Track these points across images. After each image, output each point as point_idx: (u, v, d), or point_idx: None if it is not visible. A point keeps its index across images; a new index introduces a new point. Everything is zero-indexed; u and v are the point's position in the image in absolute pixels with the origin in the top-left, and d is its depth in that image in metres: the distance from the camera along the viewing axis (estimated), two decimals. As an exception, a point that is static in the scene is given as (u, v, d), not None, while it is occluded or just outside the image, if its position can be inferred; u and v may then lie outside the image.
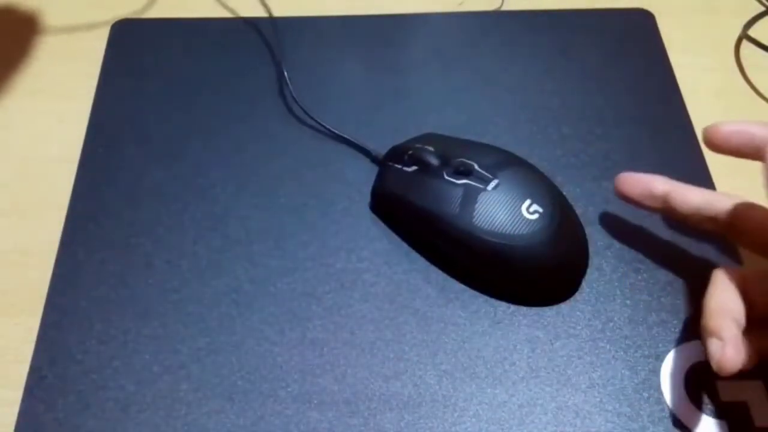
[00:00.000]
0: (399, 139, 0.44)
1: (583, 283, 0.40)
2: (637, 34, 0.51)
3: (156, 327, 0.38)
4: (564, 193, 0.41)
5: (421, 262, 0.40)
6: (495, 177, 0.39)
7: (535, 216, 0.38)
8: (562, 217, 0.38)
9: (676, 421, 0.35)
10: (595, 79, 0.48)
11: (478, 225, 0.38)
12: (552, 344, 0.38)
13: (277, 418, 0.36)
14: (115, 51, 0.50)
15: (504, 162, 0.40)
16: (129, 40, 0.50)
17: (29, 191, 0.43)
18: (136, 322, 0.38)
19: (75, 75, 0.49)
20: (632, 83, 0.48)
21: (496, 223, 0.37)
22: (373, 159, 0.44)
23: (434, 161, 0.40)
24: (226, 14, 0.52)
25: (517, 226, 0.37)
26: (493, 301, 0.39)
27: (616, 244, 0.41)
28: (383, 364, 0.37)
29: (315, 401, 0.36)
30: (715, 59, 0.50)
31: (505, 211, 0.38)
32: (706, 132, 0.36)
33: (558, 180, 0.43)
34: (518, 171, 0.40)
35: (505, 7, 0.52)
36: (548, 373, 0.37)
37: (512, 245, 0.37)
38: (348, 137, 0.45)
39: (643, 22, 0.51)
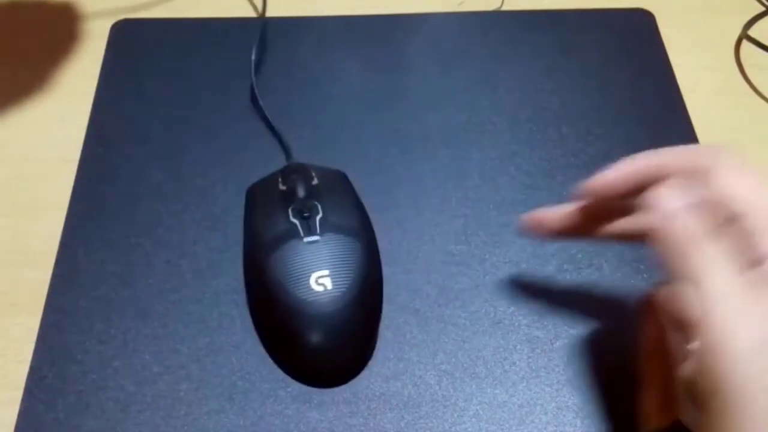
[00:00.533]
0: (396, 139, 0.44)
1: (584, 284, 0.40)
2: (637, 34, 0.51)
3: (156, 327, 0.38)
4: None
5: (421, 262, 0.40)
6: (321, 234, 0.37)
7: (320, 289, 0.36)
8: (348, 301, 0.36)
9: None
10: (595, 78, 0.48)
11: (277, 269, 0.37)
12: (552, 344, 0.38)
13: (277, 418, 0.36)
14: (115, 51, 0.50)
15: (344, 223, 0.38)
16: (129, 40, 0.50)
17: (29, 191, 0.43)
18: (136, 322, 0.38)
19: (75, 75, 0.49)
20: (632, 83, 0.48)
21: (289, 276, 0.36)
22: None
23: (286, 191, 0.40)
24: (227, 14, 0.52)
25: (302, 290, 0.36)
26: (492, 300, 0.39)
27: (616, 244, 0.41)
28: (383, 364, 0.37)
29: (315, 401, 0.36)
30: (714, 59, 0.50)
31: (299, 270, 0.36)
32: (586, 190, 0.32)
33: (558, 180, 0.43)
34: (342, 238, 0.38)
35: (505, 7, 0.52)
36: (548, 373, 0.37)
37: (290, 306, 0.36)
38: (345, 137, 0.45)
39: (643, 21, 0.51)
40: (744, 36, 0.50)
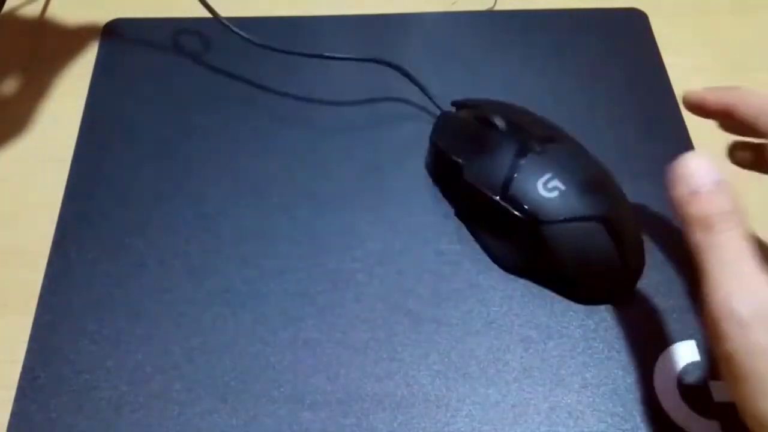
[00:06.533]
0: (393, 139, 0.44)
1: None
2: (630, 34, 0.51)
3: (149, 327, 0.38)
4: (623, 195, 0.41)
5: (413, 262, 0.40)
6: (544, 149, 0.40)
7: (554, 194, 0.38)
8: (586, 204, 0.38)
9: (669, 422, 0.35)
10: (588, 78, 0.48)
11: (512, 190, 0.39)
12: (545, 344, 0.38)
13: (270, 418, 0.36)
14: (108, 50, 0.50)
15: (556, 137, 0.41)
16: (122, 39, 0.50)
17: (21, 191, 0.43)
18: (128, 322, 0.38)
19: (68, 74, 0.49)
20: (625, 83, 0.48)
21: (523, 194, 0.39)
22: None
23: (498, 121, 0.41)
24: (219, 14, 0.52)
25: (535, 200, 0.38)
26: (485, 300, 0.39)
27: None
28: (376, 365, 0.37)
29: (308, 401, 0.36)
30: (707, 59, 0.50)
31: (531, 184, 0.38)
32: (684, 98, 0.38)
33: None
34: (564, 148, 0.41)
35: (497, 7, 0.52)
36: (541, 373, 0.37)
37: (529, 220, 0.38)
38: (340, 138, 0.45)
39: (636, 21, 0.52)
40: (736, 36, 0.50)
